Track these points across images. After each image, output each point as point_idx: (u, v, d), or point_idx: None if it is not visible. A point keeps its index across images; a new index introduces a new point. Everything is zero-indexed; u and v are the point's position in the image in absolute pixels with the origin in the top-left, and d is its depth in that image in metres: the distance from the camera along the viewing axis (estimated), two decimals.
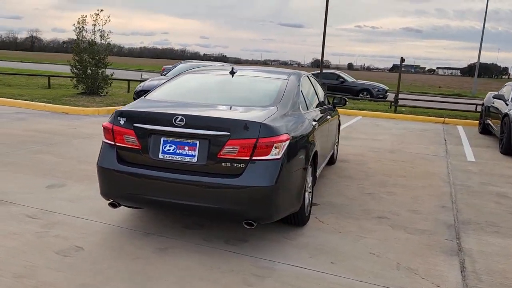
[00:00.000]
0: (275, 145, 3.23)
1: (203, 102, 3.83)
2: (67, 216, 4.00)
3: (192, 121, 3.25)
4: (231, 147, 3.19)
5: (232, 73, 4.38)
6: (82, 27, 12.49)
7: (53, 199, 4.45)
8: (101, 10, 12.52)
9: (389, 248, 3.67)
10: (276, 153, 3.24)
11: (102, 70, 13.14)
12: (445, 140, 9.84)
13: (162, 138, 3.35)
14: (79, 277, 2.95)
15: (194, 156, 3.27)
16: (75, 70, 13.03)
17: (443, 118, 13.39)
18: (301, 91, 4.37)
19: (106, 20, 12.52)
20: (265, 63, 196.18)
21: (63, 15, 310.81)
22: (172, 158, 3.31)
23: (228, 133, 3.20)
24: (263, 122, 3.24)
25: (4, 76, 19.44)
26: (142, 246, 3.48)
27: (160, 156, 3.33)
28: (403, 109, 15.07)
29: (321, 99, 5.44)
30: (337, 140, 6.71)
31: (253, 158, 3.19)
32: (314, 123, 4.22)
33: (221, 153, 3.21)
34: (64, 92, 14.28)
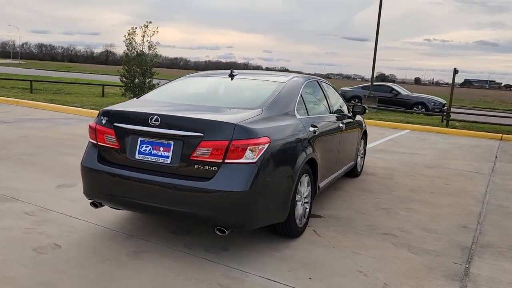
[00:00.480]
0: (250, 148, 3.04)
1: (190, 103, 3.74)
2: (62, 215, 4.05)
3: (167, 121, 3.17)
4: (204, 148, 3.05)
5: (232, 76, 4.26)
6: (132, 38, 13.04)
7: (58, 198, 4.54)
8: (150, 22, 13.02)
9: (381, 268, 3.33)
10: (251, 157, 3.05)
11: (149, 79, 13.59)
12: (496, 157, 9.02)
13: (140, 138, 3.29)
14: (42, 274, 2.94)
15: (168, 157, 3.17)
16: (124, 80, 13.59)
17: (501, 135, 12.35)
18: (302, 95, 4.15)
19: (154, 32, 12.98)
20: (327, 76, 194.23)
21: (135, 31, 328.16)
22: (148, 159, 3.23)
23: (201, 134, 3.07)
24: (238, 123, 3.08)
25: (68, 85, 20.77)
26: (119, 248, 3.42)
27: (137, 156, 3.27)
28: (456, 123, 14.10)
29: (335, 106, 5.16)
30: (361, 151, 6.34)
31: (226, 161, 3.03)
32: (313, 129, 3.97)
33: (194, 155, 3.08)
34: (114, 100, 14.92)
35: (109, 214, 4.07)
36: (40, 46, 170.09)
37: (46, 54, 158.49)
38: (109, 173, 3.32)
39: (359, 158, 6.25)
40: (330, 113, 4.84)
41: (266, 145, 3.15)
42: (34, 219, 3.93)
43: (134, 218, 4.08)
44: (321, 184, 4.38)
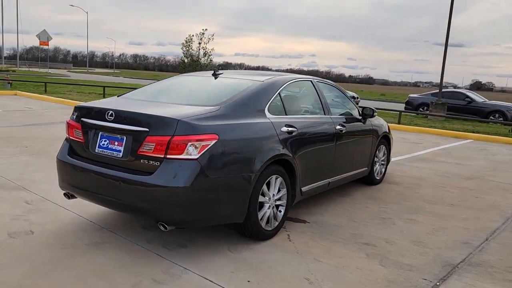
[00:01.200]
0: (191, 143, 3.03)
1: (157, 100, 3.83)
2: (56, 205, 4.34)
3: (120, 116, 3.27)
4: (149, 143, 3.10)
5: (215, 75, 4.28)
6: (189, 45, 13.60)
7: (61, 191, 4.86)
8: (206, 29, 13.49)
9: (334, 277, 3.11)
10: (193, 153, 3.04)
11: None
12: None
13: (100, 133, 3.43)
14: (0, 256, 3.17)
15: (120, 151, 3.27)
16: None
17: None
18: (281, 95, 4.03)
19: (209, 39, 13.43)
20: (415, 85, 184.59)
21: (222, 41, 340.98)
22: (105, 153, 3.36)
23: (147, 129, 3.12)
24: (181, 119, 3.08)
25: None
26: (83, 237, 3.58)
27: (96, 150, 3.41)
28: None
29: (336, 108, 4.93)
30: (381, 157, 5.97)
31: (168, 156, 3.05)
32: (287, 129, 3.83)
33: (141, 150, 3.14)
34: None
35: (94, 206, 4.27)
36: (135, 56, 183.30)
37: (139, 64, 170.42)
38: (74, 166, 3.50)
39: (377, 165, 5.90)
40: (326, 114, 4.63)
41: (212, 142, 3.11)
42: (29, 207, 4.25)
43: (117, 212, 4.24)
44: (306, 189, 4.20)
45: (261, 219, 3.62)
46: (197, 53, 13.77)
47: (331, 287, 2.97)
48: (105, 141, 3.38)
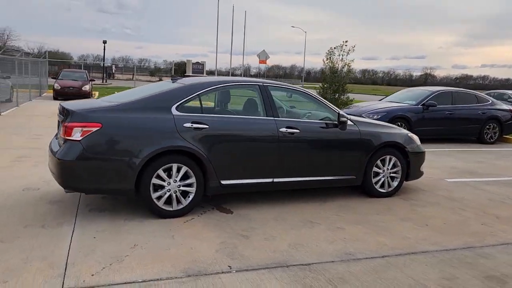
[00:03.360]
0: (77, 128, 4.05)
1: (109, 100, 4.88)
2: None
3: (62, 110, 4.50)
4: (64, 128, 4.25)
5: (173, 80, 5.07)
6: (330, 58, 14.04)
7: None
8: (347, 41, 13.66)
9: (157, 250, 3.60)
10: (77, 136, 4.04)
11: (343, 95, 14.20)
12: None
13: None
14: None
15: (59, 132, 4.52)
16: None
17: None
18: (200, 97, 4.64)
19: (350, 50, 13.55)
20: None
21: (466, 52, 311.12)
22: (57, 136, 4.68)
23: (66, 118, 4.27)
24: (76, 110, 4.15)
25: None
26: (49, 219, 4.19)
27: (58, 136, 4.75)
28: None
29: (290, 113, 5.33)
30: (388, 169, 5.53)
31: (66, 137, 4.13)
32: (190, 124, 4.38)
33: (61, 133, 4.32)
34: None
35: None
36: (364, 71, 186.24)
37: (368, 79, 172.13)
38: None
39: (381, 177, 5.50)
40: (269, 117, 4.85)
41: (95, 129, 4.05)
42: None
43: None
44: (228, 182, 4.60)
45: (158, 198, 4.29)
46: (337, 64, 14.05)
47: (153, 256, 3.51)
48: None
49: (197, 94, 4.63)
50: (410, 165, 5.72)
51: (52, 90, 19.93)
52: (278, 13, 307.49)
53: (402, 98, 11.51)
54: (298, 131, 4.93)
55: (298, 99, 5.68)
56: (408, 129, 8.94)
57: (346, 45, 13.56)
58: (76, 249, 3.55)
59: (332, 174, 5.23)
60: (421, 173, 5.94)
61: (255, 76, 53.20)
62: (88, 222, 4.20)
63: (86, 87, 19.80)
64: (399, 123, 9.55)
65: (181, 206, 4.42)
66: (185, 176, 4.41)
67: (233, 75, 45.67)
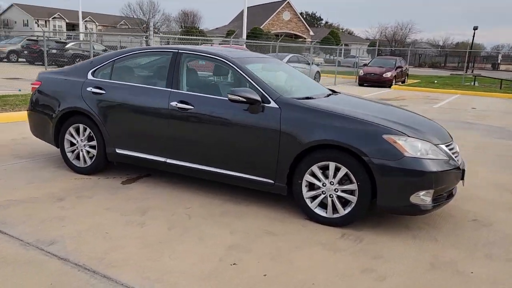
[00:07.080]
0: (32, 86, 5.01)
1: None
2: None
3: None
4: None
5: None
6: None
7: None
8: None
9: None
10: (32, 92, 5.04)
11: None
12: None
13: None
14: None
15: None
16: None
17: None
18: (114, 63, 4.62)
19: None
20: None
21: None
22: None
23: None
24: (40, 73, 5.10)
25: None
26: (65, 193, 4.15)
27: None
28: None
29: (186, 84, 4.26)
30: (333, 184, 3.47)
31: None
32: (91, 89, 4.51)
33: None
34: None
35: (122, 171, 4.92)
36: None
37: None
38: None
39: (321, 193, 3.56)
40: (168, 88, 4.19)
41: (37, 86, 4.91)
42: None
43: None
44: (122, 152, 4.40)
45: (71, 152, 4.69)
46: None
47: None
48: None
49: (111, 61, 4.61)
50: (377, 184, 3.37)
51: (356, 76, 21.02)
52: None
53: None
54: (191, 107, 4.00)
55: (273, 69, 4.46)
56: None
57: None
58: None
59: (240, 170, 3.89)
60: (410, 204, 3.37)
61: None
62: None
63: (388, 74, 19.54)
64: None
65: (89, 162, 4.62)
66: (91, 138, 4.60)
67: None
